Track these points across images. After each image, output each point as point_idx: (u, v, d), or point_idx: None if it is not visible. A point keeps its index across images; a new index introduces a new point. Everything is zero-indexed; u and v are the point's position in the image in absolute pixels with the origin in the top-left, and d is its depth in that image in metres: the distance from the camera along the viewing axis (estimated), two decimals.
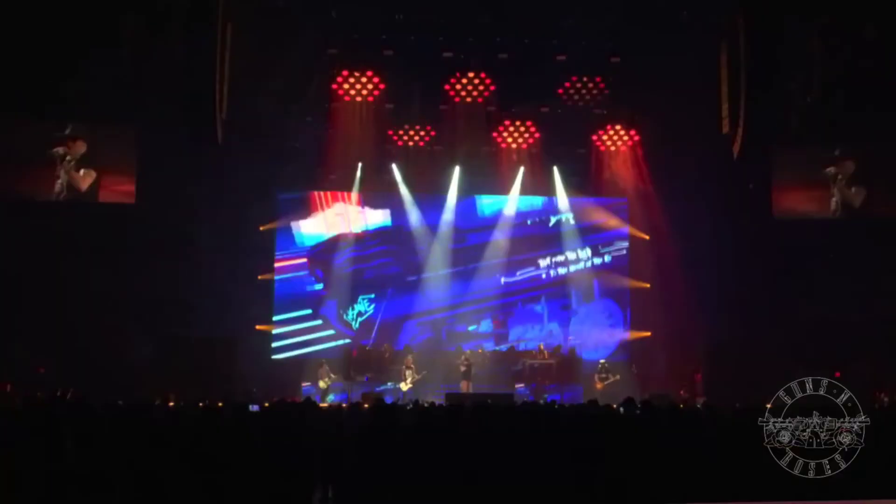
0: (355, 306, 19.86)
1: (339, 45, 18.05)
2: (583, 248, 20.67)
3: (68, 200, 17.62)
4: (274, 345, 19.50)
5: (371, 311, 19.90)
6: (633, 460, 6.10)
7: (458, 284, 20.12)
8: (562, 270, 20.66)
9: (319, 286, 19.87)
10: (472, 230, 20.50)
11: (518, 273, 20.45)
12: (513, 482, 5.92)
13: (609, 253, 20.80)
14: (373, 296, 19.94)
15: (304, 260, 19.85)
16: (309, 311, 19.67)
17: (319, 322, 19.69)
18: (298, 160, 19.57)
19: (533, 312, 20.51)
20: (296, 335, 19.54)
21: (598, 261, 20.77)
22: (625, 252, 20.74)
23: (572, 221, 20.73)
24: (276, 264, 19.73)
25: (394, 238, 20.24)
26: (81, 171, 17.71)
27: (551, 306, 20.59)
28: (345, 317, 19.82)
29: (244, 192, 18.63)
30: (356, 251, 19.98)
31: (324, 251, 19.97)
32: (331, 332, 19.73)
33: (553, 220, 20.74)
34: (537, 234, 20.69)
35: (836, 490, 5.66)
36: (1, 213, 17.09)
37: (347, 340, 19.59)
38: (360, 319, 19.87)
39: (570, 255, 20.70)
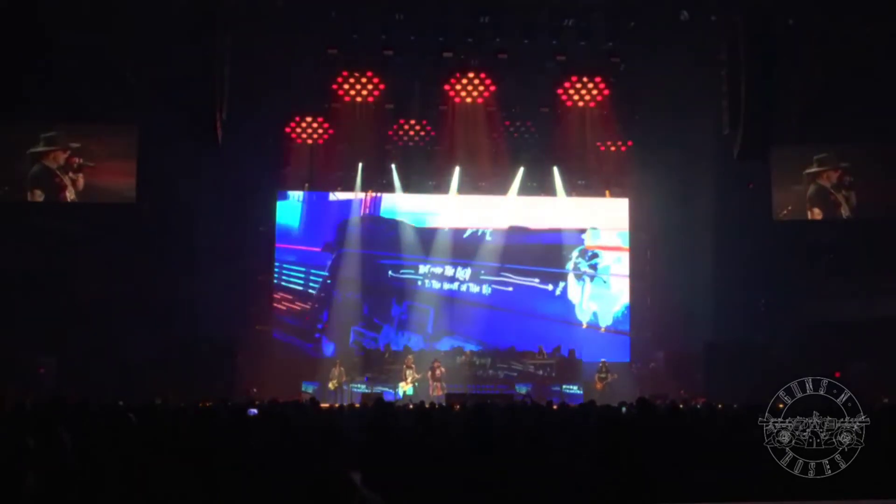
0: None
1: (339, 45, 18.04)
2: (464, 267, 20.12)
3: (65, 201, 17.57)
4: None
5: None
6: (632, 460, 6.10)
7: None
8: (436, 284, 20.23)
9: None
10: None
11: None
12: (512, 482, 5.92)
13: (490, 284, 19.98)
14: None
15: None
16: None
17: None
18: (298, 160, 19.57)
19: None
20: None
21: (486, 290, 20.10)
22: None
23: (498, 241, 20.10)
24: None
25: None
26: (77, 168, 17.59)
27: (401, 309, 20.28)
28: None
29: (244, 192, 18.63)
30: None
31: None
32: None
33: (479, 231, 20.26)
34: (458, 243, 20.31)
35: (836, 490, 5.66)
36: (1, 213, 17.10)
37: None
38: None
39: (461, 274, 20.24)
